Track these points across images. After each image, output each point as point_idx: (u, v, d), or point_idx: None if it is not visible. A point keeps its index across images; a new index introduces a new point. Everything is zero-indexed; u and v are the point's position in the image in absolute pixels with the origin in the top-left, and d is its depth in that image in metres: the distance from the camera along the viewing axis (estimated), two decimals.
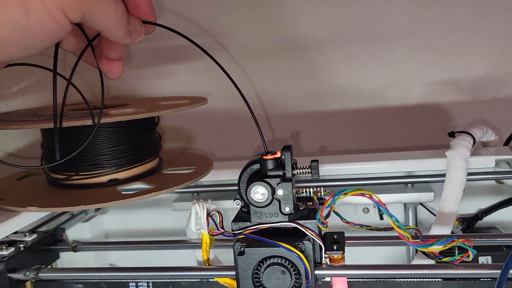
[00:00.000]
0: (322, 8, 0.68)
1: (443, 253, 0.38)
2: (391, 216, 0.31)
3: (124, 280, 0.44)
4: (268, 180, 0.37)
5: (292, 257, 0.35)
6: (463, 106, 0.68)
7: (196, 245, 0.46)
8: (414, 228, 0.37)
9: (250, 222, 0.37)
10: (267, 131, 0.73)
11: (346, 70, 0.69)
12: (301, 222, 0.37)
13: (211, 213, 0.41)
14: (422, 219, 0.56)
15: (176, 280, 0.43)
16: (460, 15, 0.65)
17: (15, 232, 0.45)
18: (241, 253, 0.36)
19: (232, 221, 0.38)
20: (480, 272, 0.36)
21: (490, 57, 0.66)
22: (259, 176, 0.37)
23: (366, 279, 0.40)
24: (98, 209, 0.63)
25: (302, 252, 0.35)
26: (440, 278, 0.39)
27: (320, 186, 0.40)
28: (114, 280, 0.44)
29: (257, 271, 0.36)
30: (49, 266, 0.50)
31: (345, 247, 0.38)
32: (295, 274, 0.35)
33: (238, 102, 0.78)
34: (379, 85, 0.69)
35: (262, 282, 0.36)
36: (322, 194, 0.39)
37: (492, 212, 0.53)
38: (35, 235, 0.48)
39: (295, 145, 0.73)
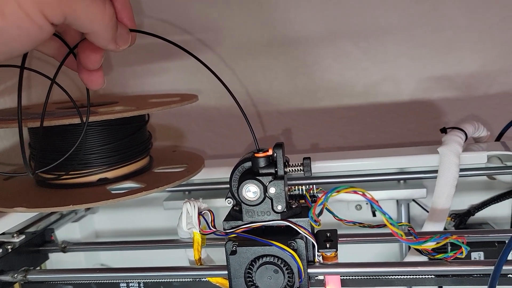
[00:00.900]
0: (314, 5, 0.67)
1: (436, 250, 0.38)
2: (384, 213, 0.31)
3: (115, 281, 0.43)
4: (260, 178, 0.36)
5: (284, 256, 0.35)
6: (455, 102, 0.68)
7: (188, 244, 0.46)
8: (407, 224, 0.37)
9: (242, 220, 0.37)
10: (258, 129, 0.73)
11: (339, 67, 0.69)
12: (293, 220, 0.36)
13: (203, 212, 0.40)
14: (415, 215, 0.56)
15: (168, 280, 0.43)
16: (451, 11, 0.65)
17: (3, 233, 0.45)
18: (233, 252, 0.36)
19: (224, 220, 0.38)
20: (473, 269, 0.36)
21: (482, 53, 0.66)
22: (251, 174, 0.37)
23: (359, 277, 0.40)
24: (88, 208, 0.62)
25: (295, 250, 0.35)
26: (433, 274, 0.39)
27: (312, 184, 0.40)
28: (105, 281, 0.43)
29: (250, 270, 0.36)
30: (38, 268, 0.49)
31: (338, 245, 0.37)
32: (288, 273, 0.35)
33: (229, 99, 0.76)
34: (372, 82, 0.69)
35: (254, 282, 0.36)
36: (315, 192, 0.39)
37: (484, 208, 0.53)
38: (23, 236, 0.47)
39: (287, 142, 0.73)
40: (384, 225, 0.40)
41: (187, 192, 0.57)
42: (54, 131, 0.44)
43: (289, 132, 0.73)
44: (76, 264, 0.56)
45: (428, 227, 0.46)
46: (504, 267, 0.33)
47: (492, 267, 0.34)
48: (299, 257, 0.35)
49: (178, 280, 0.43)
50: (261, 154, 0.37)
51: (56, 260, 0.53)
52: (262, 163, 0.37)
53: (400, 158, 0.51)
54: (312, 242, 0.36)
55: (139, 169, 0.50)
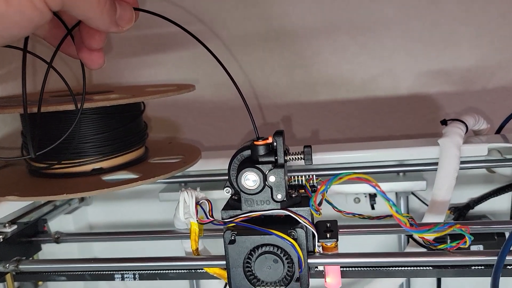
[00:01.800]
0: None
1: (436, 241, 0.37)
2: (388, 199, 0.30)
3: (109, 272, 0.42)
4: (260, 166, 0.35)
5: (284, 245, 0.34)
6: (453, 96, 0.68)
7: (185, 235, 0.45)
8: (407, 215, 0.36)
9: (241, 210, 0.36)
10: (257, 119, 0.72)
11: (336, 61, 0.69)
12: (293, 209, 0.36)
13: (200, 202, 0.39)
14: (414, 208, 0.55)
15: (164, 271, 0.42)
16: (449, 5, 0.65)
17: None
18: (232, 242, 0.35)
19: (222, 209, 0.37)
20: (474, 259, 0.36)
21: (480, 47, 0.66)
22: (250, 162, 0.36)
23: (359, 268, 0.39)
24: (82, 200, 0.61)
25: (295, 240, 0.34)
26: (434, 265, 0.38)
27: (312, 174, 0.39)
28: (99, 272, 0.42)
29: (249, 260, 0.35)
30: (31, 258, 0.48)
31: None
32: (287, 262, 0.34)
33: (226, 91, 0.77)
34: (369, 76, 0.69)
35: (253, 272, 0.35)
36: (315, 182, 0.38)
37: (483, 201, 0.53)
38: (15, 226, 0.46)
39: (285, 134, 0.72)
40: (384, 217, 0.39)
41: (183, 184, 0.56)
42: (48, 119, 0.43)
43: (287, 125, 0.72)
44: (69, 255, 0.55)
45: (428, 220, 0.46)
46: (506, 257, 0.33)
47: (493, 258, 0.34)
48: (299, 247, 0.34)
49: (175, 271, 0.42)
50: (260, 142, 0.36)
51: (49, 251, 0.52)
52: (261, 151, 0.36)
53: (400, 150, 0.50)
54: (313, 232, 0.36)
55: (135, 160, 0.49)
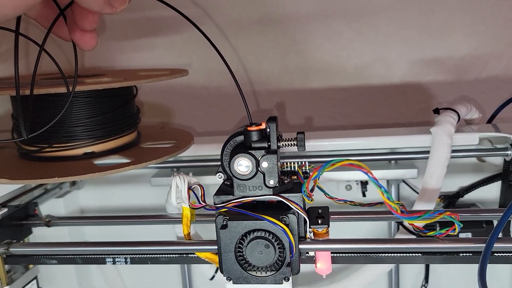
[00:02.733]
0: None
1: (426, 228, 0.37)
2: (380, 186, 0.30)
3: (101, 255, 0.42)
4: (253, 152, 0.35)
5: (276, 231, 0.34)
6: (445, 85, 0.68)
7: (176, 220, 0.45)
8: (398, 203, 0.37)
9: (233, 195, 0.36)
10: (251, 105, 0.72)
11: (330, 47, 0.68)
12: (286, 195, 0.36)
13: (193, 187, 0.39)
14: (404, 196, 0.56)
15: (155, 255, 0.42)
16: None
17: None
18: (224, 227, 0.35)
19: (215, 195, 0.37)
20: (462, 246, 0.36)
21: (474, 36, 0.66)
22: (243, 148, 0.36)
23: (349, 254, 0.40)
24: (74, 184, 0.60)
25: (287, 225, 0.34)
26: (422, 252, 0.39)
27: (305, 161, 0.39)
28: (91, 256, 0.42)
29: (240, 245, 0.35)
30: (21, 242, 0.48)
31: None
32: (279, 248, 0.35)
33: (219, 77, 0.76)
34: (363, 63, 0.69)
35: (245, 256, 0.35)
36: (307, 168, 0.38)
37: (473, 190, 0.54)
38: (5, 209, 0.45)
39: (278, 120, 0.72)
40: (375, 204, 0.40)
41: (175, 169, 0.56)
42: (39, 101, 0.42)
43: (279, 111, 0.72)
44: (60, 239, 0.55)
45: (418, 207, 0.46)
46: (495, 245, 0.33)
47: (481, 245, 0.34)
48: (290, 232, 0.34)
49: (166, 255, 0.42)
50: (254, 128, 0.36)
51: (39, 234, 0.52)
52: (254, 136, 0.36)
53: (392, 138, 0.50)
54: (304, 218, 0.36)
55: (127, 144, 0.48)
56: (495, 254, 0.38)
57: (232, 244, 0.35)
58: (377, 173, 0.52)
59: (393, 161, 0.54)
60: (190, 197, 0.39)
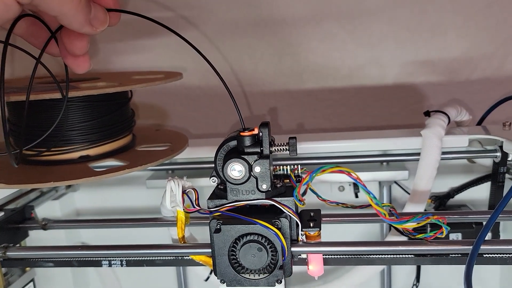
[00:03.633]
0: None
1: (416, 230, 0.38)
2: (368, 192, 0.31)
3: (97, 258, 0.43)
4: (245, 157, 0.36)
5: (268, 234, 0.35)
6: (437, 87, 0.69)
7: (171, 223, 0.46)
8: (389, 205, 0.38)
9: (227, 199, 0.37)
10: (244, 108, 0.72)
11: (324, 48, 0.69)
12: (278, 199, 0.36)
13: (187, 191, 0.40)
14: (396, 197, 0.57)
15: (151, 258, 0.43)
16: None
17: None
18: (217, 231, 0.36)
19: (208, 199, 0.38)
20: (451, 248, 0.37)
21: (466, 38, 0.66)
22: (236, 153, 0.37)
23: (341, 255, 0.40)
24: (69, 186, 0.61)
25: (279, 229, 0.35)
26: (413, 254, 0.40)
27: (297, 164, 0.40)
28: (87, 259, 0.43)
29: (234, 249, 0.36)
30: (18, 245, 0.48)
31: (321, 225, 0.38)
32: (271, 251, 0.35)
33: (214, 78, 0.75)
34: (356, 65, 0.69)
35: (238, 260, 0.36)
36: (299, 172, 0.39)
37: (463, 191, 0.54)
38: (2, 213, 0.46)
39: (272, 123, 0.72)
40: (367, 206, 0.40)
41: (170, 171, 0.56)
42: (32, 107, 0.43)
43: (274, 113, 0.73)
44: (57, 242, 0.56)
45: (409, 208, 0.47)
46: (481, 247, 0.34)
47: (470, 247, 0.35)
48: (283, 236, 0.35)
49: (161, 258, 0.42)
50: (246, 133, 0.36)
51: (36, 237, 0.53)
52: (247, 142, 0.36)
53: (384, 140, 0.51)
54: (296, 221, 0.37)
55: (122, 147, 0.49)
56: (484, 255, 0.39)
57: (225, 248, 0.36)
58: (369, 175, 0.53)
59: (384, 163, 0.54)
60: (184, 201, 0.39)
